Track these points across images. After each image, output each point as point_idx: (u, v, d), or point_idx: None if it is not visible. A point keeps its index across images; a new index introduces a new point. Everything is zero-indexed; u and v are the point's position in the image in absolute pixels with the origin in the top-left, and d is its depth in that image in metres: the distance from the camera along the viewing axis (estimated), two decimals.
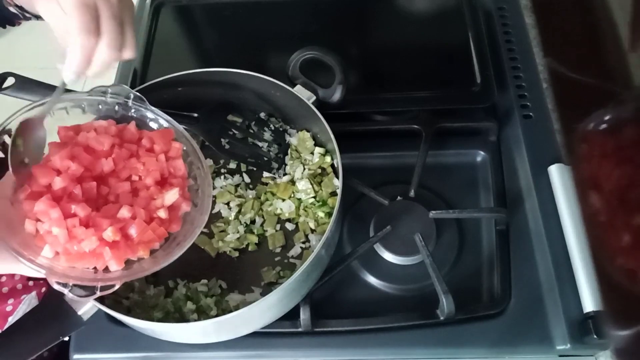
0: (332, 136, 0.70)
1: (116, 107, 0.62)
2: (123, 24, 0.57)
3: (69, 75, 0.56)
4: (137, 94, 0.62)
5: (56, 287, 0.51)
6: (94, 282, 0.53)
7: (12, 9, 0.74)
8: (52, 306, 0.60)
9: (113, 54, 0.56)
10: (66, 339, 0.63)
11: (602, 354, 0.67)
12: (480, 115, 0.84)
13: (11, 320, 0.74)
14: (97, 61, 0.56)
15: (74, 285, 0.52)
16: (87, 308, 0.60)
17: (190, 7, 1.00)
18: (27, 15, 0.75)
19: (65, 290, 0.51)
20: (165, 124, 0.64)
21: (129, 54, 0.59)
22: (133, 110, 0.63)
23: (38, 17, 0.74)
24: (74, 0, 0.53)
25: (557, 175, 0.75)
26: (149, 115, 0.64)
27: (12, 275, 0.74)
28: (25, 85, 0.60)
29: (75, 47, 0.55)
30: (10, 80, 0.59)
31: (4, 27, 0.79)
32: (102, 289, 0.54)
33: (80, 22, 0.53)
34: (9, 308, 0.74)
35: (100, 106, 0.61)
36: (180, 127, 0.65)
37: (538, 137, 0.80)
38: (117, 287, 0.55)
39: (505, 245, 0.74)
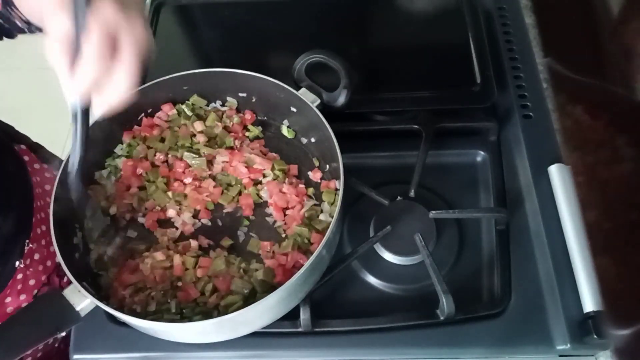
0: (332, 136, 0.70)
1: None
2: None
3: (73, 98, 0.51)
4: None
5: None
6: None
7: (18, 23, 0.75)
8: (50, 300, 0.61)
9: (126, 86, 0.51)
10: (63, 334, 0.63)
11: (602, 354, 0.67)
12: (480, 115, 0.84)
13: None
14: (109, 90, 0.50)
15: None
16: (85, 304, 0.60)
17: (190, 7, 1.00)
18: (33, 29, 0.75)
19: None
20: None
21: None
22: None
23: (42, 31, 0.74)
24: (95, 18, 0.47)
25: (557, 175, 0.75)
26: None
27: (17, 296, 0.75)
28: None
29: (88, 63, 0.49)
30: None
31: (1, 39, 0.80)
32: None
33: (99, 40, 0.48)
34: None
35: None
36: None
37: (538, 137, 0.80)
38: None
39: (505, 245, 0.74)
